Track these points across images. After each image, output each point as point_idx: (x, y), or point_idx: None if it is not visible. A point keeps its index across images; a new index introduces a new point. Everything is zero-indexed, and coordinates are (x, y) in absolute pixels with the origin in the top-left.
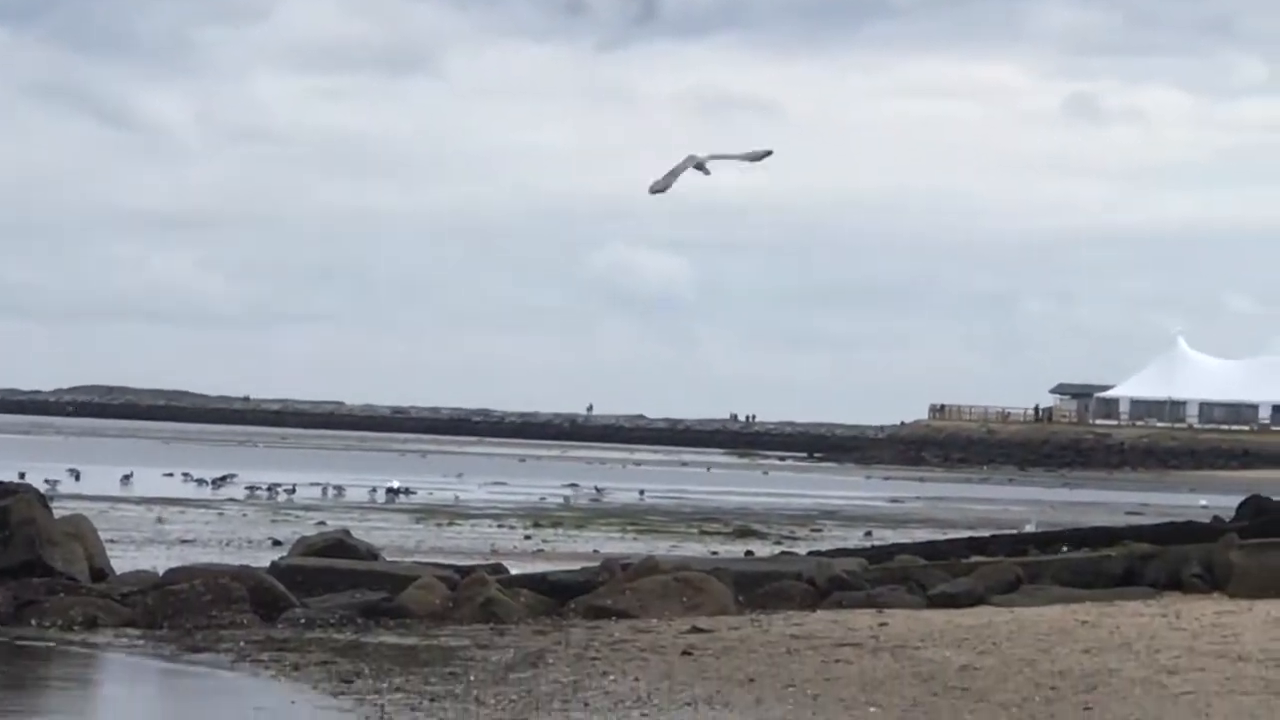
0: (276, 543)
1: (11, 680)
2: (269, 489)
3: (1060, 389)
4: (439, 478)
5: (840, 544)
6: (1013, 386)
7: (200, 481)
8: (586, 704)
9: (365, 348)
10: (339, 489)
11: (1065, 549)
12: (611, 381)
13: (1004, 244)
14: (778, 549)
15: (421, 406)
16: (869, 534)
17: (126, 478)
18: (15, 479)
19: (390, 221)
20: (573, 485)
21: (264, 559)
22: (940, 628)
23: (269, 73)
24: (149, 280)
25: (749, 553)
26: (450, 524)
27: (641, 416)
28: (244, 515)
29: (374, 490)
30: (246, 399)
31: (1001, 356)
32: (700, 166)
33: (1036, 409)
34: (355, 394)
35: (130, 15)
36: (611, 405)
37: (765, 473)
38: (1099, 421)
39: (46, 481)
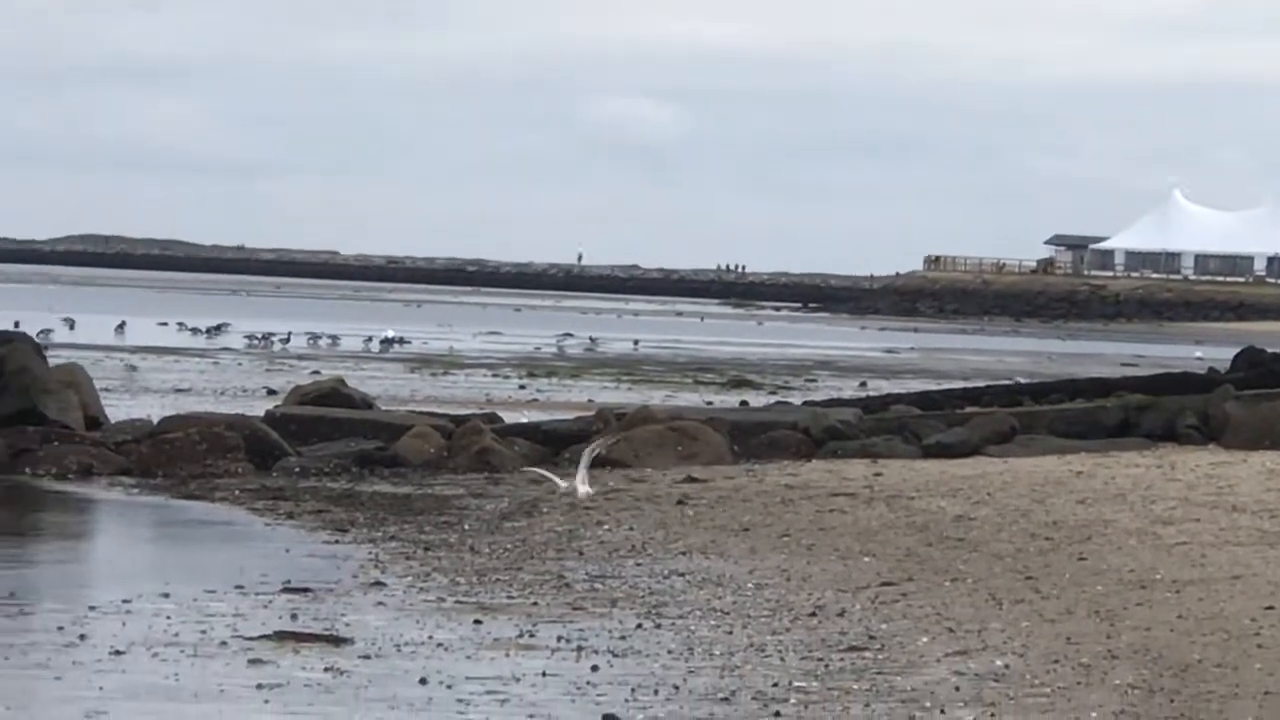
0: (271, 391)
1: (7, 527)
2: (263, 338)
3: (1056, 240)
4: (434, 327)
5: (835, 394)
6: (1008, 238)
7: (194, 330)
8: (581, 553)
9: (361, 197)
10: (334, 338)
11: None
12: (606, 231)
13: (1003, 96)
14: (773, 399)
15: (416, 256)
16: (864, 384)
17: (121, 327)
18: (10, 327)
19: (387, 71)
20: (567, 335)
21: (259, 408)
22: (935, 478)
23: None
24: (145, 129)
25: (744, 403)
26: (445, 373)
27: (636, 267)
28: (239, 364)
29: (369, 339)
30: (241, 248)
31: (997, 208)
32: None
33: (1043, 262)
34: (350, 244)
35: None
36: (606, 256)
37: (760, 323)
38: (1094, 273)
39: (41, 331)
